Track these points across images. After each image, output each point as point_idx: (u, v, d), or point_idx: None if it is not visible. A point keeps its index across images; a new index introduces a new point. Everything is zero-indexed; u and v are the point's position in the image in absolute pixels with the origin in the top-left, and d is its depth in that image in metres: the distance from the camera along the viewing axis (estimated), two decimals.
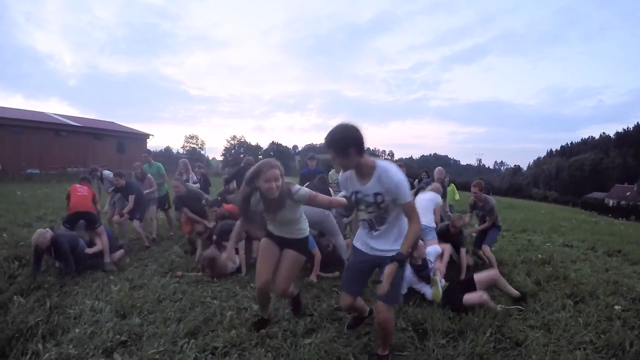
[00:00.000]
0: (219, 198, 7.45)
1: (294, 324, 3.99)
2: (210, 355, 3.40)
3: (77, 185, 6.55)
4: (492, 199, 6.66)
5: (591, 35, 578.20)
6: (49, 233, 5.41)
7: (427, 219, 5.99)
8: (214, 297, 4.75)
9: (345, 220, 7.18)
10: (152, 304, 4.45)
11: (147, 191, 7.92)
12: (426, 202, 6.29)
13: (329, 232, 6.08)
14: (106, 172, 8.07)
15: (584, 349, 3.63)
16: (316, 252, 5.69)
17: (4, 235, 7.63)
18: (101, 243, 6.01)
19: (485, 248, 6.31)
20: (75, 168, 27.88)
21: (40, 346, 3.42)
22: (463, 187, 16.32)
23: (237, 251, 5.86)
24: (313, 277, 5.55)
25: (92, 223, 6.13)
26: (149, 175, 8.14)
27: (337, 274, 5.69)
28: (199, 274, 5.58)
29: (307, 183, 6.62)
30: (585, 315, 4.41)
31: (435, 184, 7.14)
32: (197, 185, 8.55)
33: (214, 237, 6.16)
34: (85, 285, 5.11)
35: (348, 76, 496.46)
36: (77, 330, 3.73)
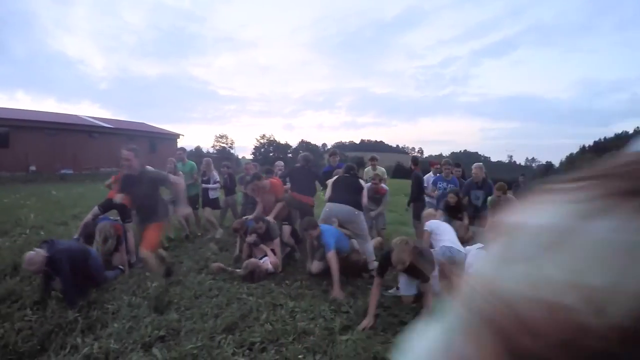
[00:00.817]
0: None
1: (330, 320, 4.00)
2: (247, 351, 3.42)
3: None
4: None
5: (624, 24, 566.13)
6: (39, 255, 4.30)
7: None
8: (249, 294, 4.78)
9: (372, 213, 7.12)
10: (188, 300, 4.50)
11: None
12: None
13: (359, 235, 5.87)
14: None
15: None
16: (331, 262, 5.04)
17: (41, 232, 7.80)
18: (122, 251, 5.80)
19: None
20: (108, 168, 28.41)
21: (79, 340, 3.49)
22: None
23: (273, 251, 5.87)
24: (337, 294, 4.78)
25: (124, 215, 6.17)
26: (180, 172, 8.20)
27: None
28: (238, 271, 5.55)
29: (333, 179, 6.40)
30: None
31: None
32: (217, 185, 8.51)
33: (249, 235, 6.06)
34: (122, 281, 5.19)
35: (376, 73, 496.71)
36: (115, 325, 3.79)
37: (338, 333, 3.76)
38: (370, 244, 5.96)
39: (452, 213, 6.97)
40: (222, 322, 3.89)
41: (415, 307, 4.40)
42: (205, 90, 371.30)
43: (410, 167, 8.30)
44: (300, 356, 3.36)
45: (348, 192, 5.87)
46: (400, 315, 4.24)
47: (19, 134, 25.83)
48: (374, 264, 5.47)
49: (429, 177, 8.37)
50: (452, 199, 6.95)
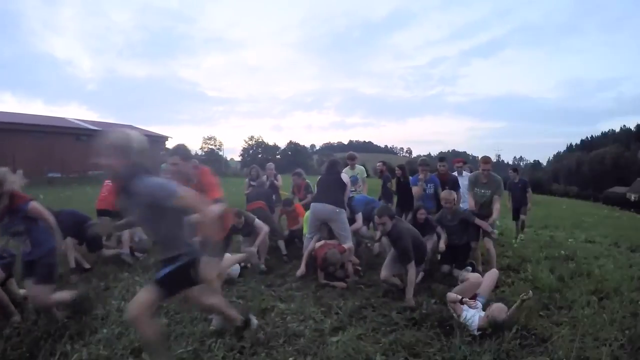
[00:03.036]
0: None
1: (320, 322, 4.03)
2: (238, 354, 3.43)
3: (106, 183, 6.75)
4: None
5: (610, 24, 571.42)
6: None
7: None
8: (239, 297, 4.81)
9: None
10: (178, 304, 4.49)
11: None
12: None
13: (340, 235, 5.67)
14: None
15: (609, 345, 3.59)
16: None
17: None
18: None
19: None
20: (96, 171, 28.22)
21: (68, 347, 3.47)
22: None
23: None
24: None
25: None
26: None
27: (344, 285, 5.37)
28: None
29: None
30: (609, 312, 4.38)
31: None
32: None
33: None
34: (110, 286, 5.18)
35: (365, 73, 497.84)
36: (105, 331, 3.77)
37: (328, 334, 3.78)
38: (351, 244, 5.73)
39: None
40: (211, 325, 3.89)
41: (406, 307, 4.44)
42: (194, 92, 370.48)
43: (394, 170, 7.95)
44: (290, 358, 3.38)
45: (329, 190, 5.77)
46: (391, 315, 4.27)
47: (6, 137, 25.61)
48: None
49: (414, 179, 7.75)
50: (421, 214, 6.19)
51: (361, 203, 6.74)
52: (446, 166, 7.84)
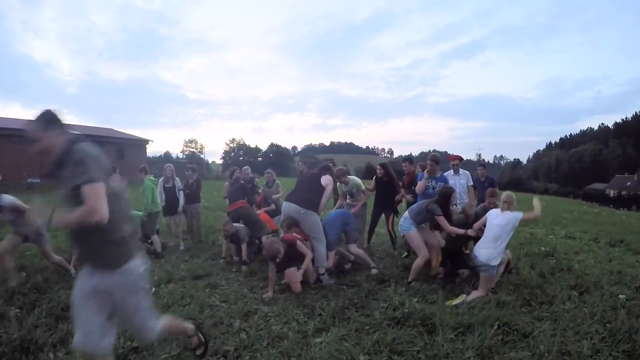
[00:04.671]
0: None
1: (304, 324, 4.03)
2: (222, 358, 3.43)
3: None
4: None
5: (589, 25, 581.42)
6: None
7: None
8: (222, 301, 4.79)
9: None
10: (161, 310, 4.44)
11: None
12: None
13: (312, 237, 5.55)
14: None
15: (591, 339, 3.66)
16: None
17: None
18: None
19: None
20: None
21: (51, 355, 3.44)
22: None
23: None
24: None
25: None
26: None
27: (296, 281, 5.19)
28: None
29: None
30: (590, 306, 4.46)
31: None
32: (184, 191, 8.32)
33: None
34: None
35: (346, 75, 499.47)
36: None
37: (312, 336, 3.79)
38: (323, 246, 5.57)
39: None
40: None
41: (388, 307, 4.46)
42: (175, 94, 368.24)
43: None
44: None
45: (302, 190, 5.70)
46: (373, 315, 4.27)
47: None
48: (324, 275, 5.53)
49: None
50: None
51: (336, 223, 5.98)
52: (409, 167, 7.56)
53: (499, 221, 4.90)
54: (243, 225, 6.70)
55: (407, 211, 5.73)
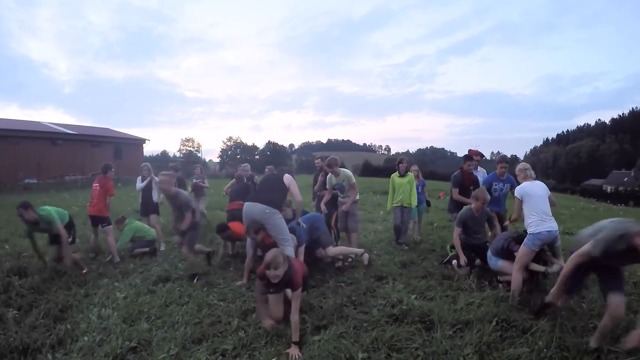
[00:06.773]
0: None
1: (302, 321, 4.01)
2: (221, 357, 3.43)
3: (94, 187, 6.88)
4: None
5: (586, 21, 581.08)
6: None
7: None
8: (220, 299, 4.79)
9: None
10: (159, 309, 4.46)
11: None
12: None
13: (277, 239, 5.18)
14: None
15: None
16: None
17: (6, 246, 7.63)
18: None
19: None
20: (73, 176, 27.87)
21: (50, 356, 3.45)
22: None
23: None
24: None
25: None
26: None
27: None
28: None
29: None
30: (588, 301, 4.46)
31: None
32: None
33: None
34: (90, 292, 5.10)
35: (344, 72, 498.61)
36: (85, 339, 3.74)
37: (310, 334, 3.80)
38: (292, 250, 5.25)
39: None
40: (194, 329, 3.89)
41: (386, 304, 4.46)
42: (173, 93, 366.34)
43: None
44: (273, 359, 3.39)
45: (264, 190, 5.51)
46: (372, 312, 4.27)
47: None
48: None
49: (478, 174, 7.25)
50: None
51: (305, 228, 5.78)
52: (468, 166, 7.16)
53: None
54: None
55: (489, 250, 5.49)
